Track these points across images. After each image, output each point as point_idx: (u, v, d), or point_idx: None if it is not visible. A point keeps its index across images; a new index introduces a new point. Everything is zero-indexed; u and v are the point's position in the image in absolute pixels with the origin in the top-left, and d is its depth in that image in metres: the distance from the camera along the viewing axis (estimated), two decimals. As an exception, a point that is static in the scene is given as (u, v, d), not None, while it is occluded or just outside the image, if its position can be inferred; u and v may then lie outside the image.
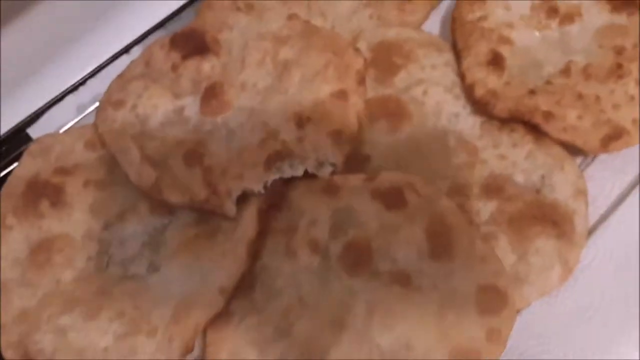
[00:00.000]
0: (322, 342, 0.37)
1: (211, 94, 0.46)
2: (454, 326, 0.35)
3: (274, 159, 0.42)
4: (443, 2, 0.51)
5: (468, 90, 0.44)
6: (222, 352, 0.38)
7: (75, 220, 0.45)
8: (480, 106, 0.43)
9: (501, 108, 0.42)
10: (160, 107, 0.47)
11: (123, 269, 0.43)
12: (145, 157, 0.44)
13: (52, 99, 0.51)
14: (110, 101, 0.47)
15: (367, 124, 0.44)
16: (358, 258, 0.39)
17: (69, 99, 0.51)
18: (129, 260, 0.43)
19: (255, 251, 0.40)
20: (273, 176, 0.41)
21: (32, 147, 0.48)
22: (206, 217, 0.43)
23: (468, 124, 0.44)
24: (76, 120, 0.51)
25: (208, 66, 0.47)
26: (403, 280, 0.37)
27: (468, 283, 0.36)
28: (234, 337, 0.38)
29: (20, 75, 0.53)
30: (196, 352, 0.40)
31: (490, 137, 0.43)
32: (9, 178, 0.47)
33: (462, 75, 0.45)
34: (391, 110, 0.45)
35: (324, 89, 0.44)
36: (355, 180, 0.41)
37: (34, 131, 0.51)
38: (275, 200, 0.42)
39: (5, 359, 0.41)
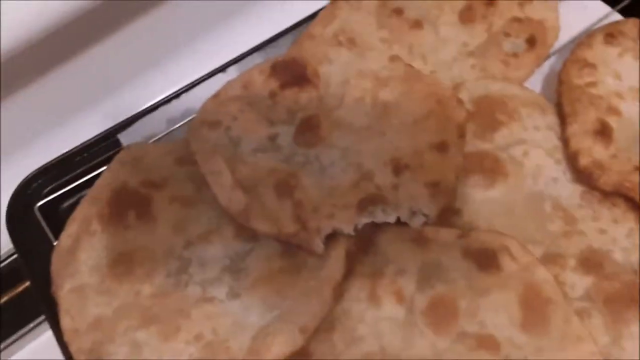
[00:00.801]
0: (400, 401, 0.36)
1: (307, 126, 0.46)
2: (543, 404, 0.34)
3: (367, 203, 0.41)
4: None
5: (571, 158, 0.43)
6: (295, 394, 0.38)
7: (158, 234, 0.45)
8: (583, 176, 0.42)
9: (605, 181, 0.41)
10: (254, 132, 0.47)
11: (202, 291, 0.42)
12: (236, 182, 0.44)
13: (145, 109, 0.52)
14: (205, 120, 0.48)
15: (462, 177, 0.43)
16: (444, 316, 0.38)
17: (161, 110, 0.52)
18: (208, 282, 0.43)
19: (339, 293, 0.40)
20: (365, 220, 0.41)
21: (122, 154, 0.49)
22: (291, 250, 0.42)
23: (567, 191, 0.43)
24: (165, 132, 0.52)
25: (306, 97, 0.47)
26: (491, 346, 0.36)
27: (561, 361, 0.35)
28: (309, 379, 0.38)
29: (116, 81, 0.54)
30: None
31: (590, 209, 0.42)
32: (97, 182, 0.48)
33: (566, 141, 0.44)
34: (488, 167, 0.44)
35: (424, 139, 0.43)
36: (447, 235, 0.41)
37: (124, 138, 0.51)
38: (364, 243, 0.42)
39: (77, 365, 0.42)
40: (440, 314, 0.38)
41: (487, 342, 0.37)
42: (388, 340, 0.38)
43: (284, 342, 0.38)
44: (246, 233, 0.44)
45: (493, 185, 0.44)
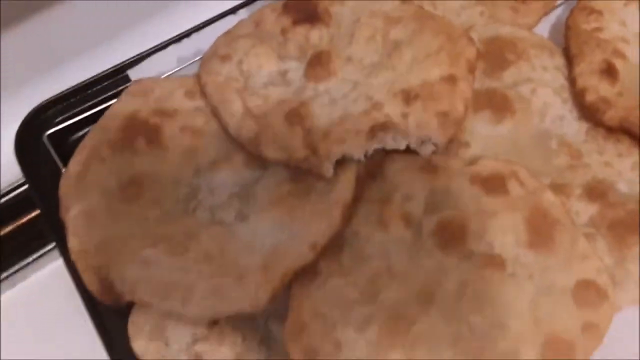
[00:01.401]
0: (409, 312, 0.36)
1: (317, 61, 0.46)
2: (549, 315, 0.35)
3: (377, 129, 0.42)
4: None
5: (578, 95, 0.44)
6: (304, 308, 0.38)
7: (168, 162, 0.45)
8: (589, 112, 0.43)
9: (611, 116, 0.42)
10: (265, 66, 0.47)
11: (210, 215, 0.43)
12: (247, 110, 0.44)
13: (155, 46, 0.52)
14: (216, 53, 0.48)
15: (471, 112, 0.44)
16: (452, 236, 0.38)
17: (171, 49, 0.52)
18: (217, 207, 0.43)
19: (348, 215, 0.40)
20: (375, 145, 0.41)
21: (131, 87, 0.49)
22: (300, 175, 0.42)
23: (573, 128, 0.44)
24: (175, 70, 0.52)
25: (317, 35, 0.48)
26: (497, 265, 0.37)
27: (567, 277, 0.36)
28: (318, 295, 0.38)
29: (125, 20, 0.54)
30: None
31: (595, 144, 0.43)
32: (106, 112, 0.48)
33: (573, 81, 0.44)
34: (496, 103, 0.44)
35: (434, 72, 0.44)
36: (455, 163, 0.41)
37: (134, 74, 0.52)
38: (372, 170, 0.42)
39: (85, 282, 0.42)
40: (448, 235, 0.39)
41: (493, 260, 0.37)
42: (395, 260, 0.38)
43: (294, 257, 0.38)
44: (255, 161, 0.44)
45: (501, 121, 0.44)
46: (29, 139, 0.48)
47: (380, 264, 0.38)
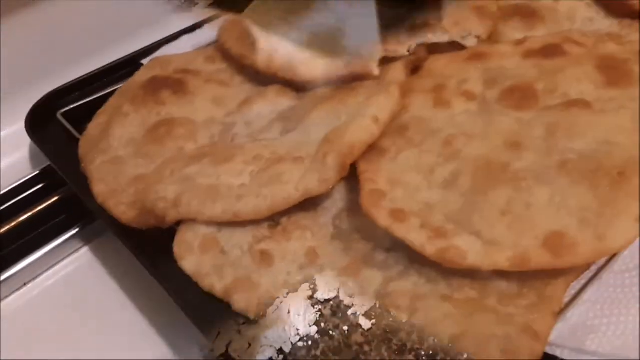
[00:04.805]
0: (501, 158, 0.32)
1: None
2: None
3: (417, 28, 0.40)
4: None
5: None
6: (379, 179, 0.33)
7: (197, 107, 0.42)
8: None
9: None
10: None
11: (252, 139, 0.39)
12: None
13: (168, 36, 0.51)
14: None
15: (501, 21, 0.44)
16: (522, 96, 0.35)
17: (185, 38, 0.52)
18: (257, 132, 0.39)
19: (403, 95, 0.37)
20: (417, 40, 0.40)
21: (150, 62, 0.47)
22: (342, 86, 0.40)
23: (605, 25, 0.44)
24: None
25: None
26: (583, 104, 0.34)
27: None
28: (391, 167, 0.34)
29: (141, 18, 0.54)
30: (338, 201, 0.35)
31: (630, 30, 0.42)
32: (127, 82, 0.45)
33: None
34: (523, 12, 0.44)
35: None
36: (504, 45, 0.40)
37: (148, 63, 0.50)
38: (418, 65, 0.40)
39: (122, 221, 0.36)
40: (518, 97, 0.36)
41: (577, 103, 0.34)
42: (467, 125, 0.35)
43: (358, 131, 0.34)
44: (290, 90, 0.42)
45: (533, 28, 0.44)
46: (43, 117, 0.44)
47: (453, 131, 0.35)
